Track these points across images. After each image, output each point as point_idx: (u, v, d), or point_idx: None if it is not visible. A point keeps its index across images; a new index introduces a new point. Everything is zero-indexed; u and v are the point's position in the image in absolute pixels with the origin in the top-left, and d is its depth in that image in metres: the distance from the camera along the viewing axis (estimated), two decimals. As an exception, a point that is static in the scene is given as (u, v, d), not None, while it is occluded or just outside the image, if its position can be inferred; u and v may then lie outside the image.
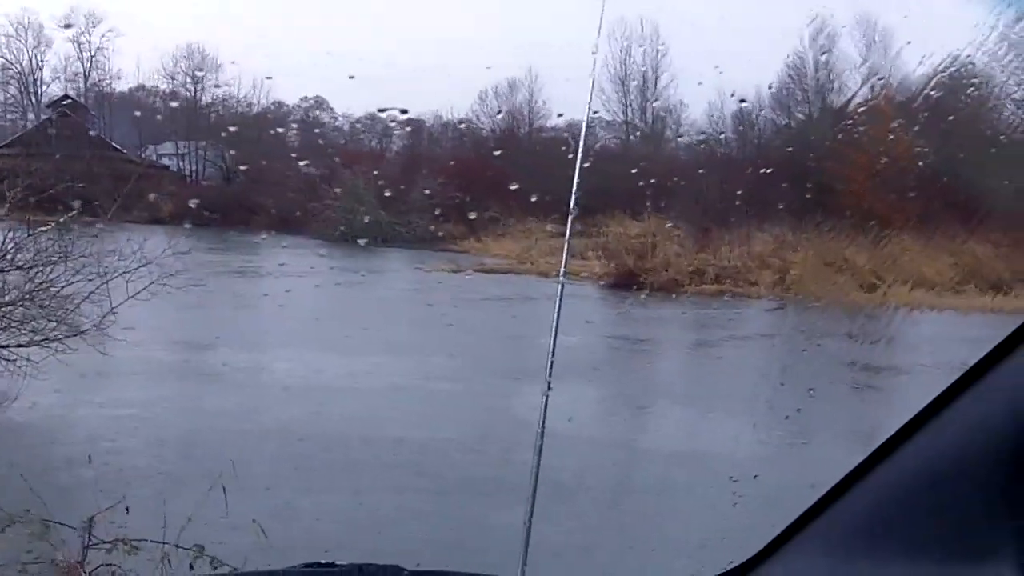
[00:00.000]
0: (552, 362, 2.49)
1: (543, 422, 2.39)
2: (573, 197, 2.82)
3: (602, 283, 21.47)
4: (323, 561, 1.91)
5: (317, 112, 34.15)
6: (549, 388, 2.46)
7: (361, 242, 21.42)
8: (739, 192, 21.64)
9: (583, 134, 3.08)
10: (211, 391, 12.68)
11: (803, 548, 1.83)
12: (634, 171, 22.75)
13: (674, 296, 20.41)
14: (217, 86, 32.39)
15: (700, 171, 23.35)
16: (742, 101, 27.40)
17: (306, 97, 33.64)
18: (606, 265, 22.30)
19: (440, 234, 24.92)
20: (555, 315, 2.58)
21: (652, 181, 21.28)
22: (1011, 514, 1.60)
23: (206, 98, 33.78)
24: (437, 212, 24.19)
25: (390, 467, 9.94)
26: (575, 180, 2.80)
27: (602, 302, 20.36)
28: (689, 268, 22.14)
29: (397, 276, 21.57)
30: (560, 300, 2.59)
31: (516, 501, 2.39)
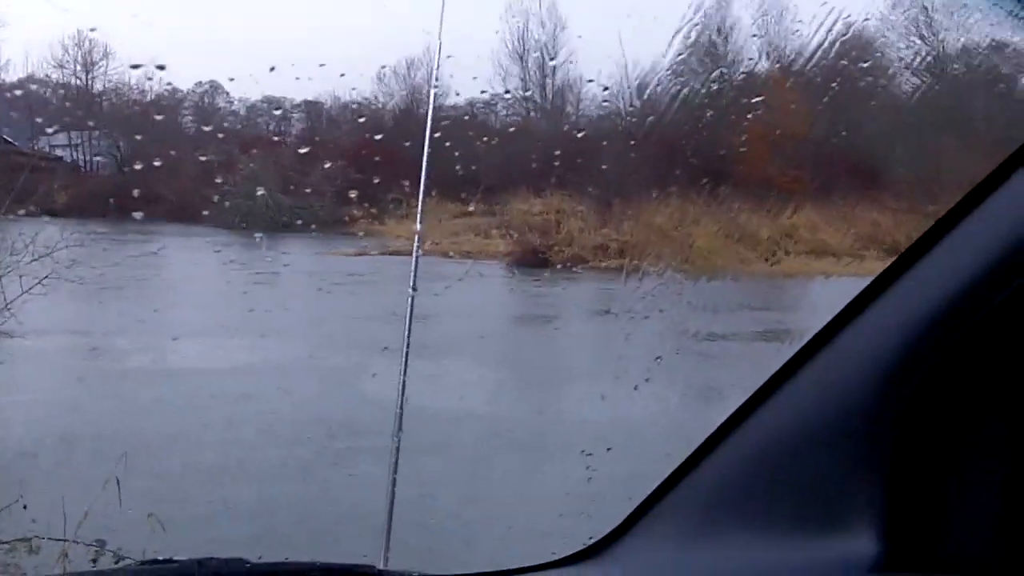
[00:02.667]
0: (408, 340, 2.40)
1: (401, 403, 2.31)
2: (423, 173, 2.74)
3: (506, 261, 21.47)
4: (160, 557, 1.81)
5: (212, 97, 33.48)
6: (406, 366, 2.37)
7: (258, 234, 21.10)
8: (640, 166, 21.77)
9: (430, 115, 3.02)
10: (106, 383, 12.43)
11: (661, 520, 1.81)
12: (536, 147, 22.75)
13: (577, 272, 20.50)
14: (109, 72, 31.60)
15: (601, 146, 23.42)
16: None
17: (200, 82, 32.95)
18: (510, 243, 22.29)
19: (342, 218, 24.60)
20: (410, 290, 2.49)
21: (554, 157, 21.28)
22: (865, 480, 1.59)
23: (98, 86, 32.93)
24: (338, 196, 23.86)
25: (287, 446, 9.87)
26: (424, 154, 2.73)
27: (503, 280, 20.37)
28: (592, 244, 22.21)
29: (297, 261, 21.31)
30: (415, 272, 2.51)
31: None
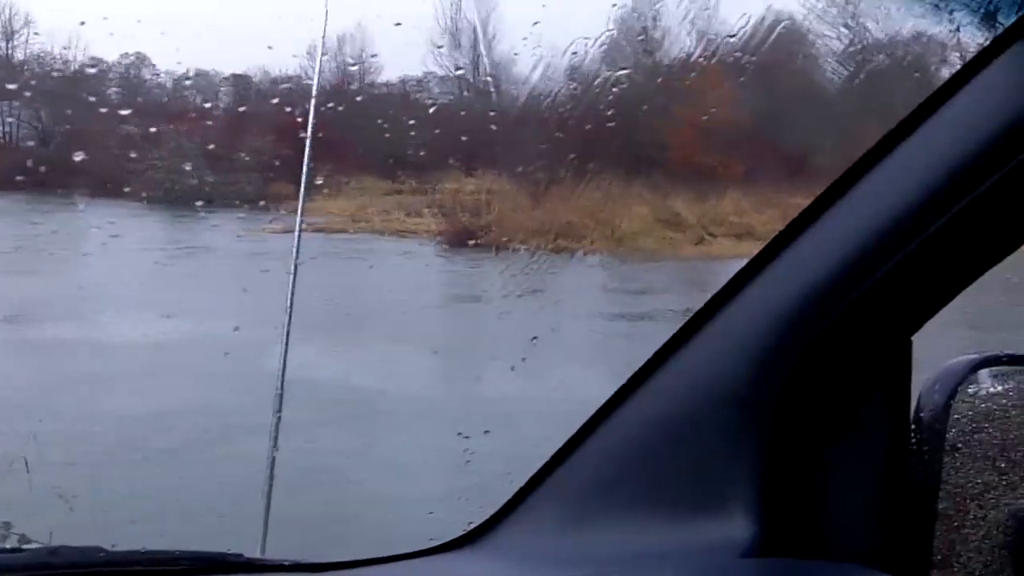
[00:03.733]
0: (290, 319, 2.33)
1: (281, 385, 2.24)
2: (307, 152, 2.68)
3: (438, 241, 21.34)
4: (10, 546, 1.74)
5: (138, 69, 32.83)
6: (287, 348, 2.30)
7: (181, 208, 20.82)
8: (572, 148, 21.71)
9: (314, 94, 2.96)
10: (14, 362, 12.16)
11: (541, 505, 1.78)
12: (468, 127, 22.61)
13: (507, 253, 20.43)
14: (30, 42, 30.85)
15: (533, 127, 23.37)
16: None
17: (126, 54, 32.28)
18: (441, 223, 22.16)
19: (269, 194, 24.30)
20: (293, 268, 2.43)
21: (486, 137, 21.21)
22: (743, 463, 1.58)
23: (19, 55, 32.12)
24: (266, 171, 23.54)
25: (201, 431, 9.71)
26: (309, 132, 2.67)
27: (429, 259, 20.25)
28: (523, 224, 22.16)
29: (221, 236, 20.99)
30: (297, 249, 2.44)
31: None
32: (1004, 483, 1.74)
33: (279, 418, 2.21)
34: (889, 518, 1.62)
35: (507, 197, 22.93)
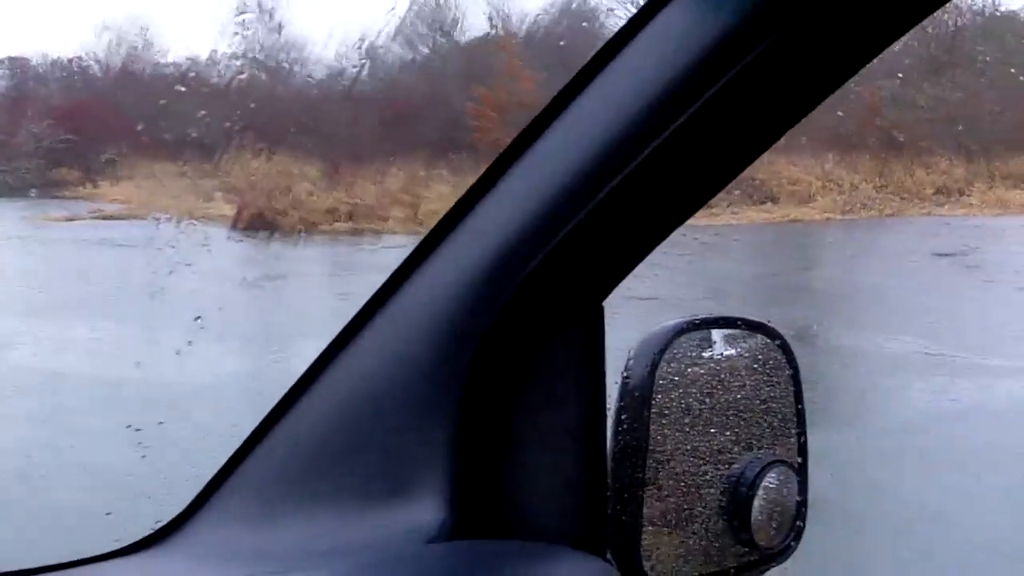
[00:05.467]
0: None
1: None
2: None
3: (234, 226, 20.81)
4: None
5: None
6: None
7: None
8: (371, 129, 21.66)
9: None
10: None
11: (231, 499, 1.65)
12: (261, 108, 22.15)
13: (305, 237, 20.14)
14: None
15: (329, 108, 23.10)
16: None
17: None
18: (235, 207, 21.64)
19: (53, 180, 23.35)
20: None
21: (280, 118, 20.86)
22: (435, 441, 1.50)
23: None
24: (48, 157, 22.60)
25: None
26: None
27: (214, 245, 19.66)
28: (322, 207, 21.95)
29: (1, 227, 19.99)
30: None
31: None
32: (715, 447, 1.72)
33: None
34: (590, 491, 1.57)
35: (304, 179, 22.60)
